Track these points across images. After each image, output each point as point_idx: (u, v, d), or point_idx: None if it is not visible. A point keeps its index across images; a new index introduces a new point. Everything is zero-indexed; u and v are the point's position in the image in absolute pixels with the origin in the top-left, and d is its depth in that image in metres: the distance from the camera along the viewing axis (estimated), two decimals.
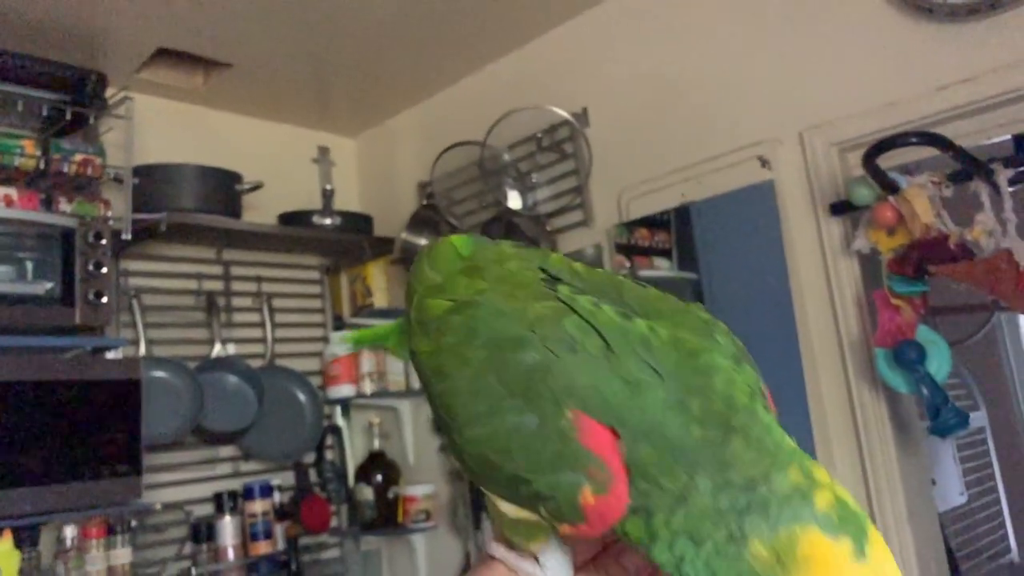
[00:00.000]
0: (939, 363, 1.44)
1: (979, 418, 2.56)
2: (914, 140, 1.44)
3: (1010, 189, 1.44)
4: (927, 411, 1.42)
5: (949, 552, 1.86)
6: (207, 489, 2.18)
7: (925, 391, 1.41)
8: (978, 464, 2.47)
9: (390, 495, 2.35)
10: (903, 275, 1.48)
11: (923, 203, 1.43)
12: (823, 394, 1.69)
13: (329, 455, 2.44)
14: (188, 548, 2.09)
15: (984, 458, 2.52)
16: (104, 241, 1.87)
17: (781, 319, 2.42)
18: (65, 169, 1.88)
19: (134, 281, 2.20)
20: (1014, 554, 2.53)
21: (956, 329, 2.57)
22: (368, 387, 2.39)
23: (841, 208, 1.67)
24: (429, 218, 2.40)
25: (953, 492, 2.20)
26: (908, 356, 1.42)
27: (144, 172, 2.04)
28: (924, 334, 1.47)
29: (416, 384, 2.41)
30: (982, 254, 1.42)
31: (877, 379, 1.61)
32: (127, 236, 1.96)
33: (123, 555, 1.78)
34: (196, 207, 2.12)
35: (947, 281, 1.53)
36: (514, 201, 2.21)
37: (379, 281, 2.51)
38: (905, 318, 1.48)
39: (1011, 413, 3.58)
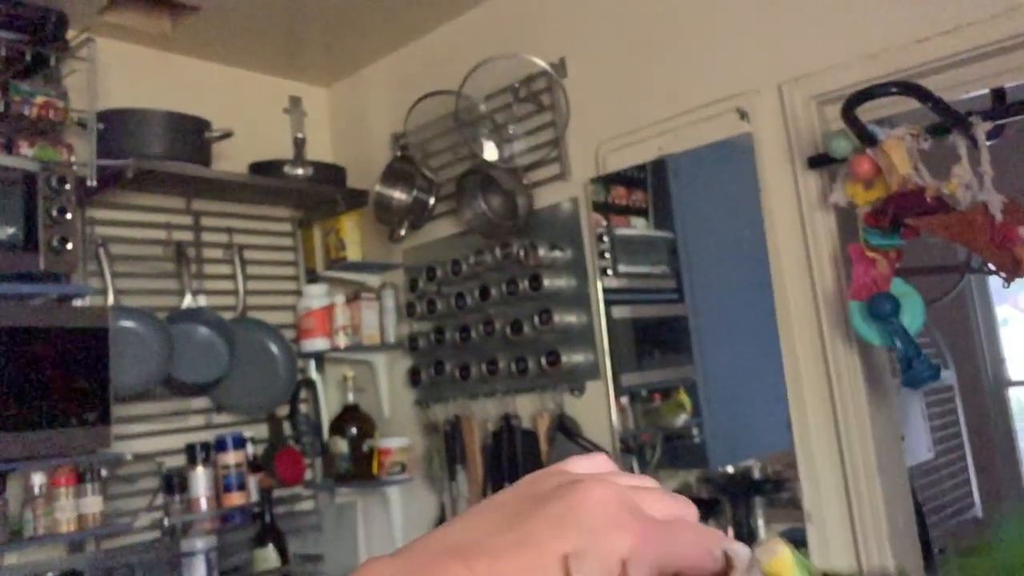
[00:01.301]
0: (912, 315, 1.45)
1: (948, 377, 2.59)
2: (894, 90, 1.43)
3: (988, 143, 1.43)
4: (899, 363, 1.43)
5: (916, 506, 1.89)
6: (179, 441, 2.16)
7: (898, 343, 1.42)
8: (945, 422, 2.51)
9: (365, 448, 2.35)
10: (879, 228, 1.48)
11: (901, 155, 1.42)
12: (797, 347, 1.70)
13: (303, 408, 2.42)
14: (160, 499, 2.08)
15: (951, 415, 2.56)
16: (68, 187, 1.82)
17: (756, 274, 2.42)
18: (26, 112, 1.82)
19: (101, 230, 2.15)
20: (977, 509, 2.59)
21: (928, 290, 2.59)
22: (342, 341, 2.37)
23: (819, 161, 1.66)
24: (403, 170, 2.37)
25: (921, 448, 2.24)
26: (882, 308, 1.43)
27: (109, 118, 1.98)
28: (898, 287, 1.47)
29: (391, 338, 2.40)
30: (958, 207, 1.42)
31: (851, 333, 1.62)
32: (92, 183, 1.91)
33: (93, 503, 1.76)
34: (164, 154, 2.07)
35: (920, 242, 1.54)
36: (490, 153, 2.18)
37: (353, 234, 2.47)
38: (880, 271, 1.48)
39: (978, 373, 3.65)
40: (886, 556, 1.61)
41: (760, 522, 1.90)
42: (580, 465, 0.41)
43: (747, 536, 1.83)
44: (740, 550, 0.36)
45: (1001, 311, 3.98)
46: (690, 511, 0.39)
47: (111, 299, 2.06)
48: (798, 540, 1.89)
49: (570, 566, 0.34)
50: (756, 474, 2.02)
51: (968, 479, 2.54)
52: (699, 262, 2.56)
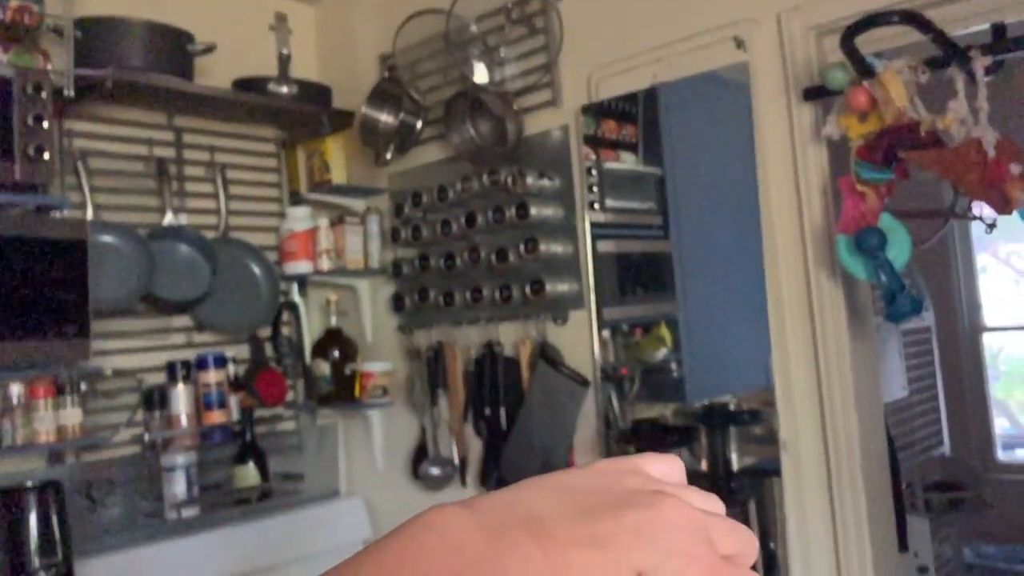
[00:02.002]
0: (899, 250, 1.45)
1: (927, 319, 2.62)
2: (895, 19, 1.40)
3: (986, 78, 1.42)
4: (883, 297, 1.44)
5: (888, 441, 1.93)
6: (160, 358, 2.15)
7: (883, 277, 1.43)
8: (921, 362, 2.56)
9: (347, 371, 2.35)
10: (871, 162, 1.47)
11: (898, 87, 1.40)
12: (782, 280, 1.70)
13: (285, 331, 2.42)
14: (140, 415, 2.08)
15: (927, 356, 2.60)
16: (44, 94, 1.77)
17: (742, 212, 2.42)
18: None
19: (79, 143, 2.10)
20: (946, 447, 2.66)
21: (911, 235, 2.61)
22: (325, 264, 2.35)
23: (814, 93, 1.64)
24: (391, 92, 2.31)
25: (896, 386, 2.28)
26: (869, 242, 1.43)
27: (87, 25, 1.91)
28: (886, 222, 1.47)
29: (375, 263, 2.38)
30: (951, 144, 1.41)
31: (836, 267, 1.63)
32: (69, 92, 1.86)
33: (72, 416, 1.76)
34: (144, 66, 2.01)
35: (906, 186, 1.53)
36: (480, 76, 2.13)
37: (337, 157, 2.43)
38: (869, 205, 1.48)
39: (955, 318, 3.70)
40: (858, 486, 1.65)
41: (734, 455, 1.93)
42: (655, 467, 0.41)
43: (723, 467, 1.87)
44: None
45: (981, 259, 4.03)
46: (752, 548, 0.39)
47: (90, 214, 2.03)
48: (772, 471, 1.93)
49: None
50: (732, 407, 2.05)
51: (939, 418, 2.60)
52: (686, 199, 2.55)
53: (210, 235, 2.26)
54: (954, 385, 3.25)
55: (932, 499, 2.36)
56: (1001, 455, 3.84)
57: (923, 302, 1.43)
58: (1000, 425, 3.96)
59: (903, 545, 1.86)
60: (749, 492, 1.83)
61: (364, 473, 2.49)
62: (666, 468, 0.41)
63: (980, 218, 1.67)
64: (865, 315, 1.72)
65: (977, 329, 3.82)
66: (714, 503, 0.40)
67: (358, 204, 2.46)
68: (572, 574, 0.34)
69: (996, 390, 3.97)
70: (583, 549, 0.34)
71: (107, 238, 1.99)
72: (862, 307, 1.71)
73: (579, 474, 0.39)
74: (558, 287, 2.06)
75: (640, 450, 1.75)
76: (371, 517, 2.46)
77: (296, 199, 2.49)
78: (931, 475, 2.47)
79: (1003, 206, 1.36)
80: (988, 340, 3.90)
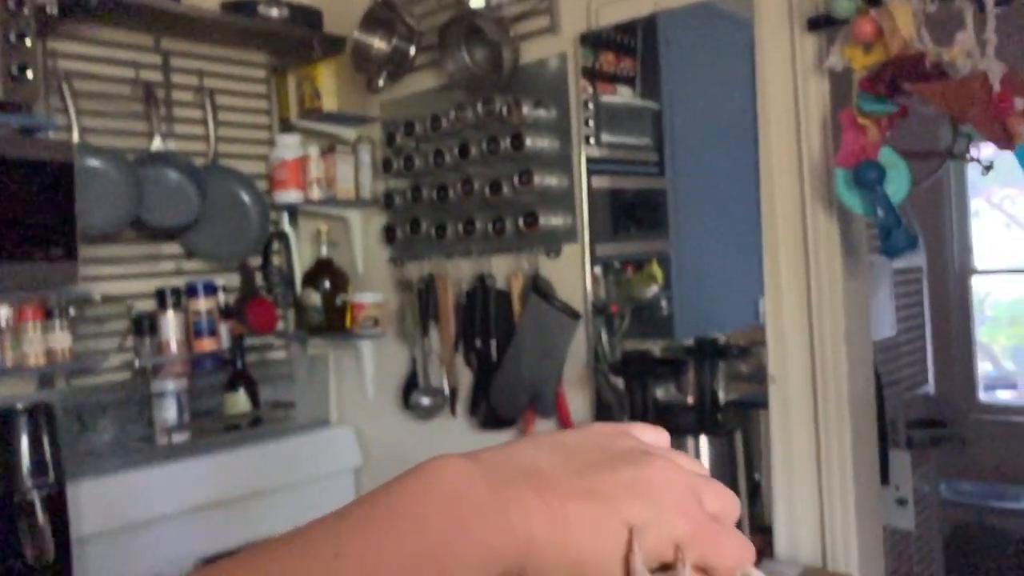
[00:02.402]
0: (897, 185, 1.44)
1: (919, 259, 2.63)
2: None
3: (996, 10, 1.39)
4: (879, 232, 1.43)
5: (877, 378, 1.95)
6: (149, 285, 2.14)
7: (880, 212, 1.42)
8: (910, 302, 2.57)
9: (338, 302, 2.35)
10: (874, 94, 1.45)
11: (905, 17, 1.37)
12: (778, 214, 1.69)
13: (276, 260, 2.40)
14: (130, 341, 2.08)
15: (917, 296, 2.61)
16: (26, 11, 1.71)
17: (741, 143, 2.39)
18: None
19: (64, 64, 2.04)
20: (930, 387, 2.69)
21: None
22: (316, 193, 2.32)
23: (818, 23, 1.60)
24: (384, 17, 2.25)
25: (885, 325, 2.29)
26: (868, 176, 1.41)
27: None
28: (886, 156, 1.46)
29: (367, 194, 2.36)
30: (957, 76, 1.39)
31: (833, 202, 1.62)
32: (53, 10, 1.79)
33: (62, 339, 1.75)
34: None
35: (905, 126, 1.51)
36: (476, 0, 2.07)
37: (328, 83, 2.38)
38: (870, 138, 1.46)
39: (946, 260, 3.72)
40: (844, 419, 1.67)
41: (721, 393, 1.95)
42: (645, 433, 0.43)
43: (709, 400, 1.88)
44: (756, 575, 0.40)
45: (974, 204, 4.03)
46: (735, 507, 0.42)
47: (76, 136, 1.98)
48: (758, 403, 1.96)
49: (632, 538, 0.37)
50: (721, 341, 2.06)
51: (925, 358, 2.63)
52: (683, 135, 2.52)
53: (199, 162, 2.23)
54: (942, 326, 3.28)
55: (914, 435, 2.40)
56: (983, 396, 3.90)
57: (918, 239, 1.42)
58: (983, 368, 4.02)
59: (884, 478, 1.90)
60: (735, 424, 1.85)
61: (354, 402, 2.51)
62: (654, 436, 0.44)
63: (977, 160, 1.66)
64: (859, 252, 1.72)
65: (967, 272, 3.85)
66: (700, 467, 0.43)
67: (349, 133, 2.42)
68: (570, 524, 0.36)
69: (981, 335, 4.01)
70: (580, 501, 0.36)
71: (94, 162, 1.96)
72: (856, 244, 1.71)
73: (576, 434, 0.41)
74: (552, 220, 2.05)
75: (629, 381, 1.75)
76: (361, 445, 2.49)
77: (286, 127, 2.44)
78: (914, 413, 2.51)
79: (1005, 141, 1.34)
80: (976, 284, 3.93)
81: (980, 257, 3.92)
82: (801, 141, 1.66)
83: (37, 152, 1.68)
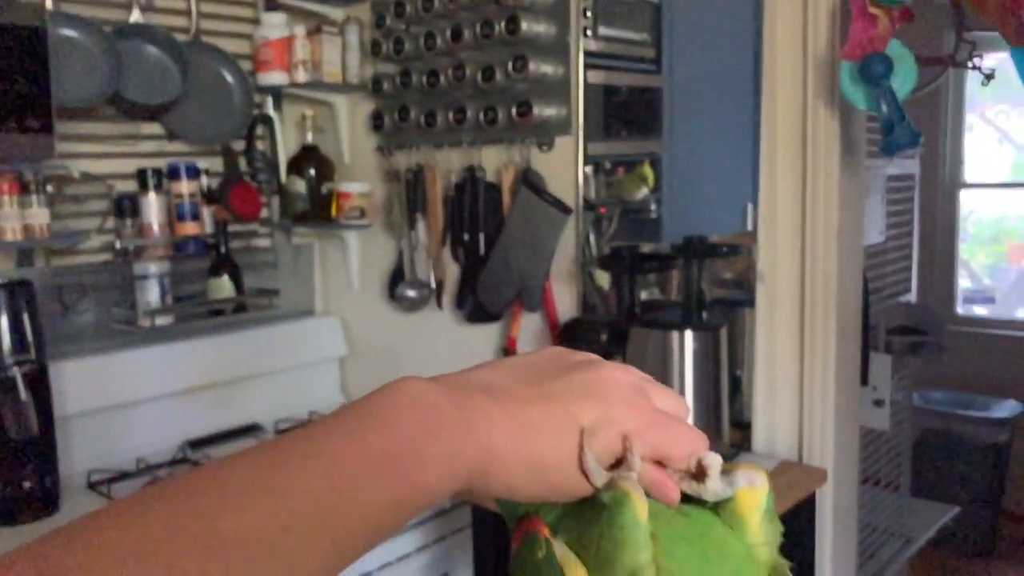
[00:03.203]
0: (904, 79, 1.40)
1: (912, 166, 2.61)
2: None
3: None
4: (882, 128, 1.40)
5: (864, 282, 1.95)
6: (130, 165, 2.08)
7: (884, 106, 1.38)
8: (900, 210, 2.56)
9: (323, 190, 2.30)
10: None
11: None
12: (778, 108, 1.65)
13: (259, 145, 2.33)
14: (111, 222, 2.03)
15: (907, 204, 2.60)
16: None
17: (742, 40, 2.32)
18: None
19: None
20: (912, 295, 2.71)
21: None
22: (301, 75, 2.24)
23: None
24: None
25: (875, 231, 2.28)
26: (875, 69, 1.37)
27: None
28: (895, 49, 1.41)
29: (354, 78, 2.28)
30: None
31: (835, 97, 1.58)
32: None
33: (39, 215, 1.70)
34: None
35: (908, 31, 1.46)
36: None
37: None
38: (879, 30, 1.41)
39: (937, 169, 3.70)
40: (829, 320, 1.68)
41: (707, 295, 1.95)
42: (598, 358, 0.45)
43: (696, 297, 1.88)
44: (713, 460, 0.41)
45: (968, 118, 3.98)
46: (684, 408, 0.44)
47: (49, 3, 1.88)
48: (744, 302, 1.96)
49: (583, 439, 0.39)
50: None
51: (910, 267, 2.64)
52: (682, 32, 2.44)
53: (180, 38, 2.13)
54: (927, 237, 3.29)
55: (893, 341, 2.43)
56: (960, 309, 3.96)
57: (920, 136, 1.39)
58: (962, 283, 4.06)
59: (863, 380, 1.93)
60: (720, 321, 1.86)
61: (340, 293, 2.49)
62: (612, 363, 0.46)
63: (979, 68, 1.61)
64: (857, 151, 1.69)
65: (956, 184, 3.84)
66: (645, 374, 0.45)
67: (337, 13, 2.32)
68: (529, 428, 0.39)
69: (962, 251, 4.04)
70: (536, 405, 0.39)
71: (69, 32, 1.86)
72: (855, 143, 1.68)
73: (529, 355, 0.44)
74: (545, 111, 1.99)
75: (617, 276, 1.73)
76: (346, 335, 2.49)
77: (271, 4, 2.33)
78: (895, 320, 2.53)
79: (1018, 36, 1.30)
80: (965, 196, 3.93)
81: (971, 171, 3.90)
82: (807, 32, 1.61)
83: (6, 15, 1.59)
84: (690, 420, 0.44)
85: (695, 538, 0.40)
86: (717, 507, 0.42)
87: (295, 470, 0.33)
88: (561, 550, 0.40)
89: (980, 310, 4.03)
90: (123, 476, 1.89)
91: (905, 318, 2.60)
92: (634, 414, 0.41)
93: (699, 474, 0.41)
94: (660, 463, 0.41)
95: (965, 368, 3.53)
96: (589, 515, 0.40)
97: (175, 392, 2.11)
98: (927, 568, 3.33)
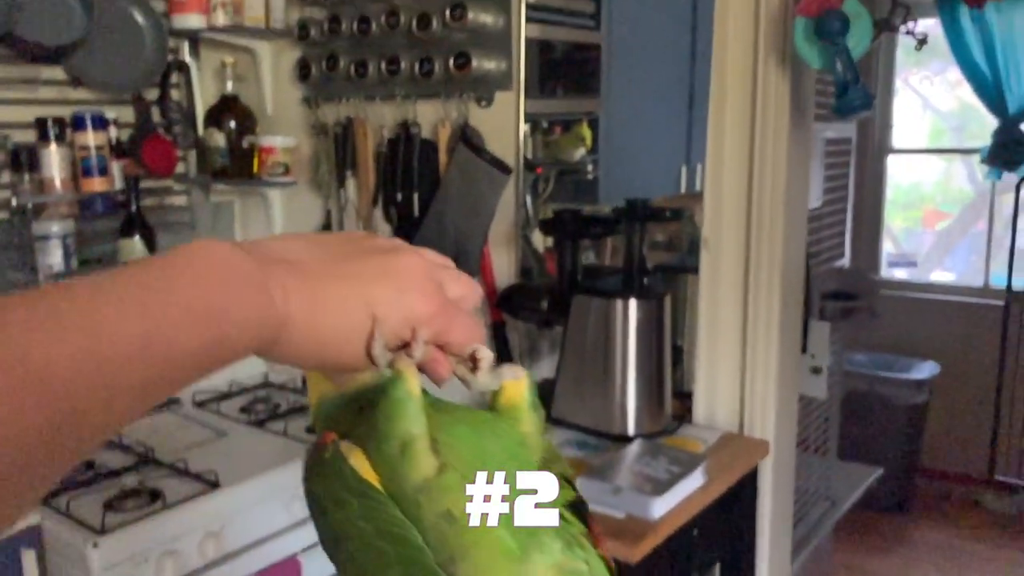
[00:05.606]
0: (859, 38, 1.35)
1: (848, 131, 2.60)
2: None
3: None
4: (836, 88, 1.35)
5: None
6: (28, 113, 1.89)
7: (838, 65, 1.33)
8: (836, 174, 2.55)
9: (244, 144, 2.15)
10: None
11: None
12: (728, 66, 1.59)
13: (175, 94, 2.16)
14: (7, 176, 1.85)
15: (843, 168, 2.60)
16: None
17: (681, 8, 2.25)
18: None
19: None
20: (846, 259, 2.73)
21: None
22: (220, 18, 2.07)
23: None
24: None
25: (813, 195, 2.27)
26: (831, 26, 1.32)
27: None
28: (851, 6, 1.36)
29: (279, 23, 2.12)
30: None
31: (788, 55, 1.52)
32: None
33: None
34: None
35: None
36: None
37: None
38: None
39: (872, 134, 3.75)
40: (774, 287, 1.65)
41: (647, 264, 1.90)
42: (400, 243, 0.46)
43: (638, 262, 1.83)
44: (486, 354, 0.45)
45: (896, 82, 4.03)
46: (474, 293, 0.47)
47: None
48: (686, 268, 1.92)
49: (374, 327, 0.41)
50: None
51: (843, 231, 2.65)
52: None
53: None
54: (858, 201, 3.33)
55: (827, 307, 2.44)
56: (884, 273, 4.05)
57: (874, 98, 1.35)
58: (885, 246, 4.15)
59: (803, 347, 1.92)
60: (664, 289, 1.81)
61: None
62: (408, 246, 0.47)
63: (912, 34, 1.59)
64: (806, 114, 1.65)
65: (885, 149, 3.89)
66: (445, 260, 0.47)
67: None
68: (322, 303, 0.40)
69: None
70: (332, 282, 0.41)
71: None
72: (805, 106, 1.64)
73: (333, 234, 0.46)
74: (484, 64, 1.89)
75: (559, 241, 1.65)
76: None
77: None
78: (827, 284, 2.54)
79: None
80: (891, 161, 3.99)
81: (897, 137, 3.96)
82: None
83: None
84: (480, 309, 0.44)
85: (472, 422, 0.44)
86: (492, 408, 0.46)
87: (111, 313, 0.33)
88: (345, 444, 0.42)
89: (901, 273, 4.12)
90: (225, 396, 1.99)
91: (837, 283, 2.62)
92: (424, 300, 0.43)
93: (473, 366, 0.45)
94: (441, 348, 0.44)
95: (887, 331, 3.61)
96: (374, 418, 0.43)
97: None
98: (848, 526, 3.43)
